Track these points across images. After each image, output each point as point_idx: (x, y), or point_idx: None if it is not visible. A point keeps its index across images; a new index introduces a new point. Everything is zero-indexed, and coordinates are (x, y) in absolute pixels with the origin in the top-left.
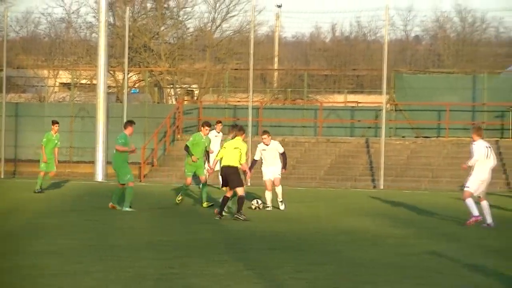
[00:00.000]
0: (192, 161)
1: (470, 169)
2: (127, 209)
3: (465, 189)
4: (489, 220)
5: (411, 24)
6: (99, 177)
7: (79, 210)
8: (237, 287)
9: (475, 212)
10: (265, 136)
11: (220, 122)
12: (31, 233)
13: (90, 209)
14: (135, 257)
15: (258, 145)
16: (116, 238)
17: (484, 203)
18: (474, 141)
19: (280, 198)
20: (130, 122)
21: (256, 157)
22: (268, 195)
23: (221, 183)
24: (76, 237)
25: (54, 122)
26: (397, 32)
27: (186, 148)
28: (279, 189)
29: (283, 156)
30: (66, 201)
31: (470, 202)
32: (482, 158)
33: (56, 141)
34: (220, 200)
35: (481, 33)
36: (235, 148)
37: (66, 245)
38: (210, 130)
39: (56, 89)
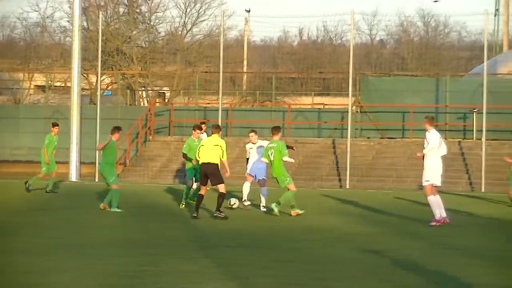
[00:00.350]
0: (193, 164)
1: (424, 159)
2: (116, 209)
3: (425, 183)
4: (443, 214)
5: (376, 28)
6: (73, 177)
7: (53, 209)
8: (206, 284)
9: (438, 215)
10: (252, 134)
11: (203, 123)
12: (4, 232)
13: (64, 208)
14: (107, 255)
15: (246, 145)
16: (88, 236)
17: (437, 197)
18: (428, 130)
19: (263, 203)
20: (117, 128)
21: (248, 156)
22: (246, 187)
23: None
24: (49, 235)
25: (55, 124)
26: (362, 36)
27: (184, 155)
28: (264, 193)
29: None
30: (40, 200)
31: (433, 200)
32: (437, 146)
33: (55, 143)
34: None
35: (444, 37)
36: (215, 145)
37: (39, 244)
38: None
39: (31, 91)
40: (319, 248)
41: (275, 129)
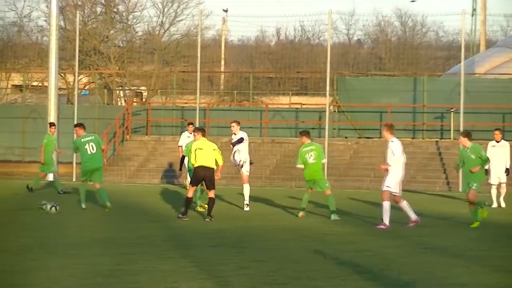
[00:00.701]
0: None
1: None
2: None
3: (386, 188)
4: (413, 216)
5: (354, 28)
6: (51, 176)
7: (31, 208)
8: (183, 283)
9: (386, 221)
10: (233, 124)
11: (191, 123)
12: None
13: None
14: (85, 254)
15: (232, 136)
16: (66, 235)
17: (404, 203)
18: (389, 139)
19: (246, 200)
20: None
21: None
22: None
23: (189, 181)
24: (28, 235)
25: (52, 124)
26: (340, 36)
27: (183, 158)
28: (246, 188)
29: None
30: (18, 200)
31: (386, 206)
32: (401, 156)
33: (55, 142)
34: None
35: (422, 37)
36: (214, 149)
37: (18, 243)
38: (188, 132)
39: (8, 91)
40: (296, 248)
41: (307, 133)
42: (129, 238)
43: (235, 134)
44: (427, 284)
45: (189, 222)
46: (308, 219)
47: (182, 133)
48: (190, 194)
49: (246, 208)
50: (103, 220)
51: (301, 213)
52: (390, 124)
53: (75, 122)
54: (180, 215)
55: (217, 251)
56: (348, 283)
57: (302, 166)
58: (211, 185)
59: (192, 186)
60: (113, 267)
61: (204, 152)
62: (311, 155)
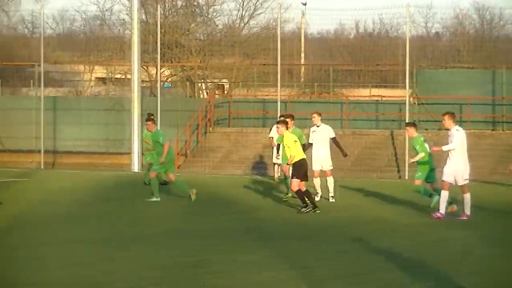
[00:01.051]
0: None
1: (446, 154)
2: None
3: (465, 182)
4: (442, 210)
5: (432, 21)
6: (135, 167)
7: (115, 199)
8: (267, 273)
9: (442, 208)
10: (315, 115)
11: (285, 115)
12: (64, 222)
13: (126, 198)
14: (166, 244)
15: (311, 128)
16: (148, 226)
17: (443, 194)
18: (452, 127)
19: (331, 193)
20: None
21: (310, 141)
22: (316, 182)
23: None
24: (105, 226)
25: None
26: (418, 28)
27: (278, 146)
28: (330, 181)
29: (335, 141)
30: (102, 191)
31: (444, 195)
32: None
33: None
34: (302, 196)
35: (499, 29)
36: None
37: (96, 235)
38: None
39: (92, 83)
40: (377, 239)
41: (414, 124)
42: (211, 229)
43: (317, 126)
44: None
45: (268, 214)
46: (391, 210)
47: (274, 126)
48: (301, 187)
49: (332, 200)
50: (185, 211)
51: (451, 206)
52: (452, 113)
53: (158, 114)
54: (303, 210)
55: (299, 242)
56: (428, 274)
57: (423, 154)
58: (305, 177)
59: (302, 180)
60: (198, 257)
61: (299, 144)
62: (426, 145)
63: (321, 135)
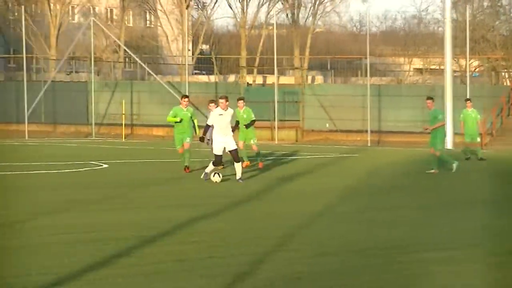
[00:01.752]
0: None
1: None
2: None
3: None
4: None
5: None
6: (448, 145)
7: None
8: None
9: None
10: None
11: None
12: (388, 192)
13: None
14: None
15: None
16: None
17: None
18: None
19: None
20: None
21: None
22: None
23: None
24: (427, 196)
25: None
26: None
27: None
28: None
29: None
30: (421, 165)
31: None
32: None
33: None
34: None
35: None
36: None
37: (416, 202)
38: None
39: (411, 73)
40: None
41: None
42: None
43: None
44: None
45: None
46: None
47: None
48: None
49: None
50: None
51: None
52: None
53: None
54: None
55: None
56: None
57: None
58: None
59: None
60: None
61: None
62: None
63: None
